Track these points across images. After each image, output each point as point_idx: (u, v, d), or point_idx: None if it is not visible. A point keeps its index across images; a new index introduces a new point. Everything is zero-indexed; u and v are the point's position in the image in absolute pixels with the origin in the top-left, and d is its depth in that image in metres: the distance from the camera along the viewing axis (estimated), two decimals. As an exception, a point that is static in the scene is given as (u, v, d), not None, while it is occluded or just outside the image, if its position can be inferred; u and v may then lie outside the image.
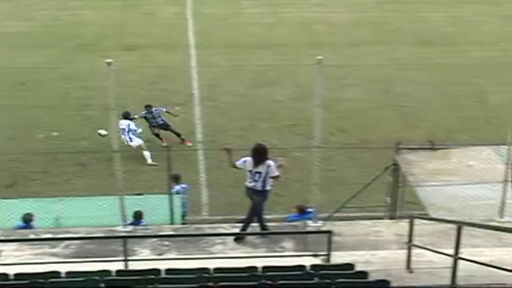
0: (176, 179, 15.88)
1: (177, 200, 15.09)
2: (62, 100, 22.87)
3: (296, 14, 31.86)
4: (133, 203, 13.88)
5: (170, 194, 14.83)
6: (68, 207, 14.54)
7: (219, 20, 30.89)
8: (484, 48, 27.51)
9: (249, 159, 11.65)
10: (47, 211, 14.35)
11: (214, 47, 27.51)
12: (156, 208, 14.60)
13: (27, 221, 14.00)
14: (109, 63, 11.18)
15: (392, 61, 25.58)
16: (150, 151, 19.38)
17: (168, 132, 20.38)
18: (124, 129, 19.42)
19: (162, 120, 20.39)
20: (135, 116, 20.09)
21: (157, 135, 20.35)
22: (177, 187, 15.77)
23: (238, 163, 11.70)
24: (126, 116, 19.60)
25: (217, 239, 11.70)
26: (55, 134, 20.74)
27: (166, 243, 11.61)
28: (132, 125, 19.65)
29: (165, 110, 20.70)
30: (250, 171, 11.66)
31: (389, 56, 26.53)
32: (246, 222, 11.99)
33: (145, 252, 11.38)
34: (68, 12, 31.86)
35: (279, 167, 11.82)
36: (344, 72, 23.62)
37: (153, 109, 20.38)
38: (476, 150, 14.61)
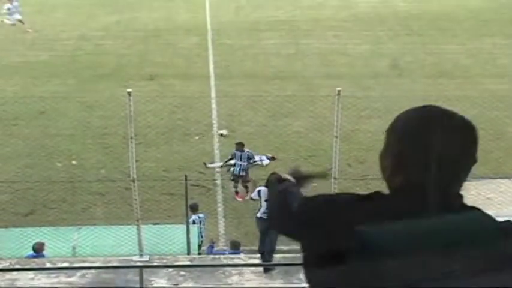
0: (193, 209, 15.88)
1: (194, 230, 15.09)
2: (82, 129, 22.99)
3: (315, 45, 32.05)
4: (150, 232, 13.88)
5: (187, 223, 14.83)
6: (85, 236, 14.56)
7: (239, 51, 31.13)
8: (503, 81, 27.46)
9: (263, 189, 11.59)
10: (64, 240, 14.35)
11: (234, 78, 27.68)
12: (173, 238, 14.59)
13: (37, 250, 13.56)
14: (129, 93, 11.29)
15: (411, 93, 25.55)
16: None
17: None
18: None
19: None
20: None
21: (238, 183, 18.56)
22: (194, 217, 15.76)
23: (253, 194, 11.70)
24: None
25: (234, 270, 11.66)
26: (74, 162, 20.84)
27: (183, 273, 11.58)
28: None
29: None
30: (266, 201, 11.56)
31: (408, 88, 26.53)
32: (269, 253, 11.89)
33: (161, 282, 11.35)
34: (89, 42, 32.27)
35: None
36: (362, 104, 23.62)
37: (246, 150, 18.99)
38: (495, 183, 14.52)
